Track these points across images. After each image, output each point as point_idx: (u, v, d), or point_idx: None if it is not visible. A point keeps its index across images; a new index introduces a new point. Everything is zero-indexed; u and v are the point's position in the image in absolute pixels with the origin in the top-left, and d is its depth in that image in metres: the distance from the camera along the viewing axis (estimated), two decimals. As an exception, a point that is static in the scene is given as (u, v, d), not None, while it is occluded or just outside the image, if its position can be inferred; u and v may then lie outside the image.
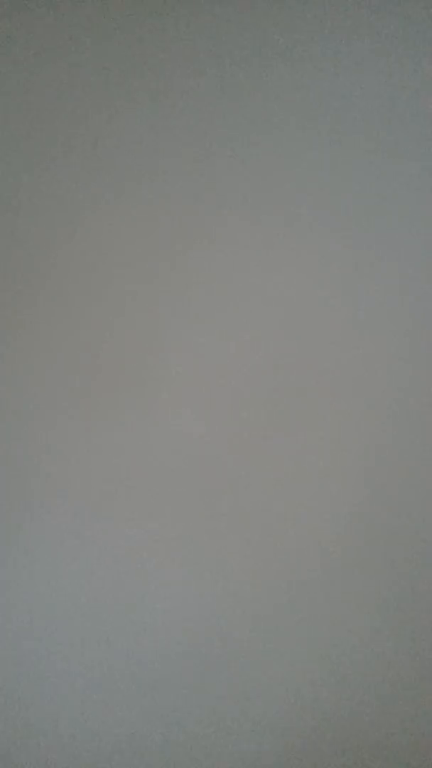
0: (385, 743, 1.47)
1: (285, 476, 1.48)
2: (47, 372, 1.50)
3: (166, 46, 1.50)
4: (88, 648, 1.48)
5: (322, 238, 1.50)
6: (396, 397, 1.49)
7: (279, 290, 1.50)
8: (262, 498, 1.48)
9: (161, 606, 1.48)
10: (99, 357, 1.50)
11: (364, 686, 1.48)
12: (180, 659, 1.48)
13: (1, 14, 1.51)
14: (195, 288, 1.50)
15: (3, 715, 1.48)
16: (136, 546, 1.48)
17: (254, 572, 1.48)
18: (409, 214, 1.49)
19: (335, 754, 1.48)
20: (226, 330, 1.50)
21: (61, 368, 1.50)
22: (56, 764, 1.48)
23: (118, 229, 1.51)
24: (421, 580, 1.47)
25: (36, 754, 1.48)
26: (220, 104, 1.50)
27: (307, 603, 1.48)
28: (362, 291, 1.49)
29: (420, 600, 1.47)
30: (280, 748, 1.48)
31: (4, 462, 1.49)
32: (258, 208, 1.50)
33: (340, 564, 1.48)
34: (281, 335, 1.50)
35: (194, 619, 1.48)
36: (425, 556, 1.47)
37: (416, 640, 1.47)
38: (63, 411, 1.49)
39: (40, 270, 1.51)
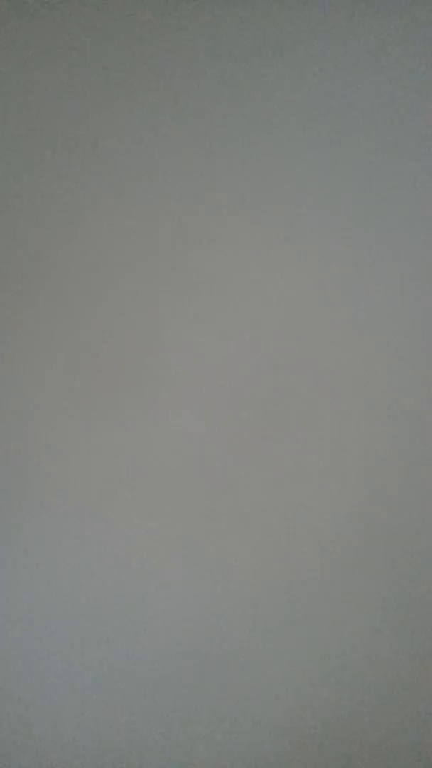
0: (385, 743, 1.47)
1: (285, 476, 1.48)
2: (47, 372, 1.50)
3: (166, 46, 1.50)
4: (88, 648, 1.48)
5: (322, 238, 1.50)
6: (396, 397, 1.49)
7: (279, 290, 1.50)
8: (262, 498, 1.48)
9: (161, 606, 1.48)
10: (99, 357, 1.50)
11: (364, 686, 1.47)
12: (180, 659, 1.48)
13: (1, 14, 1.52)
14: (195, 288, 1.50)
15: (3, 715, 1.48)
16: (136, 546, 1.48)
17: (254, 572, 1.48)
18: (409, 214, 1.49)
19: (335, 754, 1.48)
20: (226, 330, 1.50)
21: (61, 368, 1.50)
22: (56, 764, 1.48)
23: (118, 229, 1.51)
24: (421, 580, 1.47)
25: (36, 754, 1.48)
26: (220, 104, 1.50)
27: (307, 603, 1.48)
28: (362, 291, 1.49)
29: (420, 600, 1.47)
30: (280, 748, 1.48)
31: (4, 462, 1.49)
32: (258, 208, 1.50)
33: (340, 564, 1.48)
34: (281, 335, 1.50)
35: (194, 619, 1.48)
36: (425, 556, 1.47)
37: (416, 640, 1.47)
38: (63, 411, 1.49)
39: (40, 270, 1.51)
